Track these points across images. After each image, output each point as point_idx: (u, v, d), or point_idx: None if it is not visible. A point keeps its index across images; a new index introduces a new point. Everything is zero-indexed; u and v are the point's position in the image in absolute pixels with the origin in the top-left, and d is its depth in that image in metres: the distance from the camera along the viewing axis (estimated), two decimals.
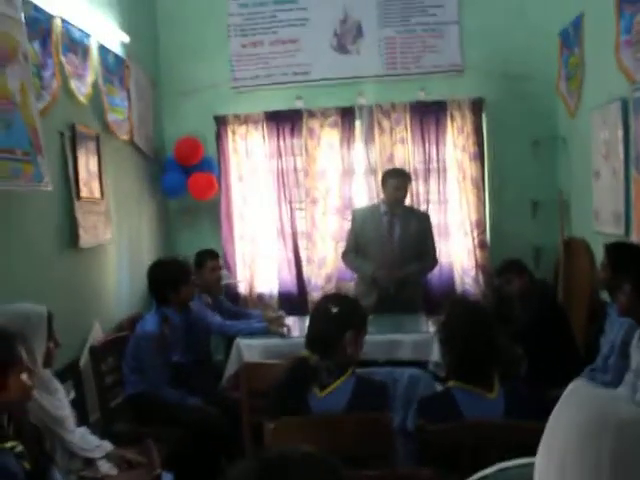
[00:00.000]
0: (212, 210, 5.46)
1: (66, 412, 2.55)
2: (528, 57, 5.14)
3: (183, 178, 5.23)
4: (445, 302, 2.69)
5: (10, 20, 2.98)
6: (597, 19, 4.17)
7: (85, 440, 2.63)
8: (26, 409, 2.11)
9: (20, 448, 1.96)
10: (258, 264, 5.44)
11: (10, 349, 1.94)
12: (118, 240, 4.46)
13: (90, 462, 2.60)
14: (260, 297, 5.38)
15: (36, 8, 3.36)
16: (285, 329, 3.94)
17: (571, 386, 1.12)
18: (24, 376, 1.97)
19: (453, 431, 1.93)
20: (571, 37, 4.65)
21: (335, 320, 2.30)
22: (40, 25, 3.41)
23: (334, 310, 2.31)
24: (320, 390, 2.21)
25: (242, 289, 5.39)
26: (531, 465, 1.41)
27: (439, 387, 2.65)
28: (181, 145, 5.24)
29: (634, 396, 2.67)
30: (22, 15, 3.10)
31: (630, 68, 3.60)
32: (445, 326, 2.33)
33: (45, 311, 2.50)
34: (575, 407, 1.06)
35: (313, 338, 2.34)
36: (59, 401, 2.52)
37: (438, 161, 5.25)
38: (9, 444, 1.93)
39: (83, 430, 2.69)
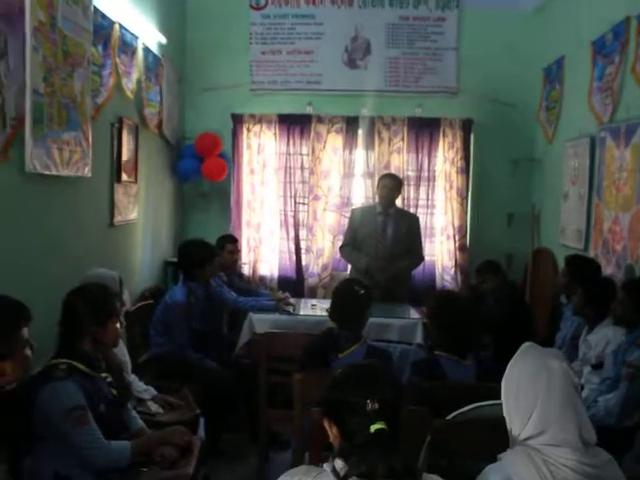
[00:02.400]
0: (224, 198, 6.04)
1: (127, 358, 3.14)
2: (515, 86, 5.83)
3: (197, 163, 5.78)
4: (431, 293, 3.37)
5: (84, 31, 3.53)
6: (576, 63, 4.83)
7: (137, 383, 3.23)
8: (112, 351, 2.70)
9: (110, 379, 2.56)
10: (262, 249, 6.04)
11: (112, 302, 2.53)
12: (143, 220, 5.01)
13: (141, 402, 3.19)
14: (262, 279, 5.99)
15: (103, 16, 3.90)
16: (291, 308, 4.55)
17: (524, 346, 1.78)
18: (118, 325, 2.56)
19: (440, 388, 2.57)
20: (553, 74, 5.32)
21: (362, 299, 2.94)
22: (103, 30, 3.94)
23: (361, 292, 2.95)
24: (340, 352, 2.84)
25: (246, 271, 5.98)
26: (498, 405, 2.08)
27: None
28: (202, 140, 5.77)
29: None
30: (92, 25, 3.65)
31: (599, 111, 4.27)
32: (434, 310, 2.97)
33: (117, 276, 3.08)
34: (526, 358, 1.72)
35: (341, 312, 2.97)
36: (121, 349, 3.11)
37: (429, 171, 5.93)
38: (103, 374, 2.53)
39: (134, 376, 3.28)
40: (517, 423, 1.67)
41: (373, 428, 1.49)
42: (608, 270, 3.99)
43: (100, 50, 3.89)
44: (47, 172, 3.08)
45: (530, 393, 1.65)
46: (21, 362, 2.08)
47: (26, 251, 3.03)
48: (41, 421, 2.29)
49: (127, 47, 4.35)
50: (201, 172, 5.77)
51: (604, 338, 3.36)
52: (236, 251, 4.99)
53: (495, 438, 1.86)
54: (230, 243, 4.93)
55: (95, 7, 3.71)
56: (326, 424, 1.62)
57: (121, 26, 4.20)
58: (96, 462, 2.31)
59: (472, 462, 1.99)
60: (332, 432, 1.60)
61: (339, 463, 1.55)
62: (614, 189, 4.02)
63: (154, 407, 3.20)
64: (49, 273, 3.21)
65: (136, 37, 4.53)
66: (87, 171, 3.62)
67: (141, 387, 3.27)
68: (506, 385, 1.72)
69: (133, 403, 3.08)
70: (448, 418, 2.19)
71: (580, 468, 1.60)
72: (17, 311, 2.11)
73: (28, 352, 2.11)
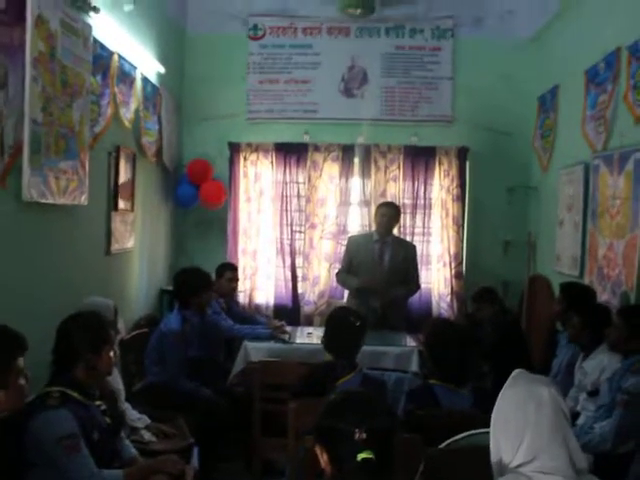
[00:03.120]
0: (220, 226, 6.08)
1: (121, 386, 3.15)
2: (510, 115, 5.93)
3: (194, 190, 5.82)
4: (427, 321, 3.42)
5: (83, 62, 3.61)
6: (570, 92, 4.93)
7: (131, 412, 3.24)
8: (106, 379, 2.71)
9: (104, 407, 2.57)
10: (258, 277, 6.07)
11: (107, 330, 2.56)
12: (140, 248, 5.03)
13: (134, 430, 3.20)
14: (257, 307, 6.00)
15: (102, 46, 3.97)
16: (287, 336, 4.56)
17: (514, 373, 1.81)
18: (111, 354, 2.58)
19: (435, 416, 2.58)
20: (548, 102, 5.41)
21: (359, 330, 2.98)
22: (102, 60, 4.01)
23: (357, 323, 2.98)
24: (336, 381, 2.86)
25: (241, 299, 5.99)
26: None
27: None
28: (194, 166, 5.82)
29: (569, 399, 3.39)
30: (91, 56, 3.72)
31: (592, 139, 4.34)
32: (429, 340, 3.00)
33: (112, 304, 3.11)
34: (515, 386, 1.75)
35: (336, 342, 3.01)
36: (115, 377, 3.12)
37: (425, 199, 5.99)
38: (97, 402, 2.54)
39: (127, 404, 3.29)
40: (508, 451, 1.69)
41: (360, 457, 1.51)
42: (603, 297, 4.02)
43: (99, 80, 3.96)
44: (44, 200, 3.12)
45: (519, 421, 1.67)
46: (15, 392, 2.10)
47: (22, 279, 3.05)
48: (33, 448, 2.29)
49: (126, 77, 4.43)
50: (198, 198, 5.81)
51: (599, 365, 3.38)
52: (235, 279, 5.03)
53: (488, 466, 1.87)
54: (229, 271, 4.98)
55: (94, 38, 3.79)
56: (318, 450, 1.64)
57: (120, 56, 4.27)
58: None
59: None
60: (323, 458, 1.62)
61: None
62: (608, 216, 4.06)
63: (147, 436, 3.20)
64: (45, 302, 3.23)
65: (135, 67, 4.60)
66: (84, 199, 3.67)
67: (135, 416, 3.28)
68: (496, 413, 1.75)
69: (126, 432, 3.08)
70: (441, 446, 2.20)
71: None
72: (13, 341, 2.13)
73: (22, 382, 2.13)
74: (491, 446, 1.74)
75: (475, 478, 1.97)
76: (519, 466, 1.66)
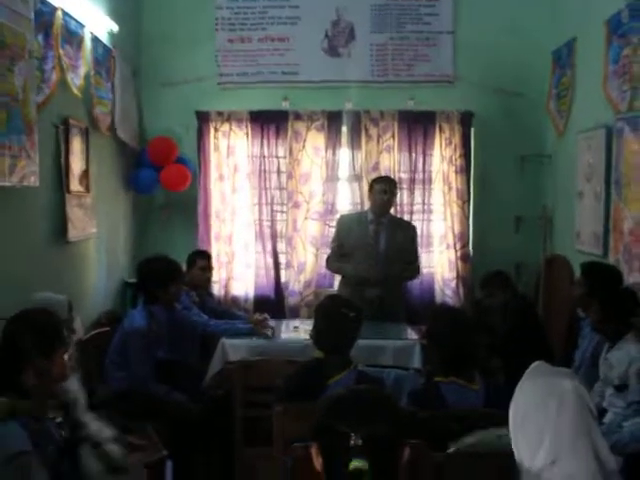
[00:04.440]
0: (189, 208, 6.04)
1: (79, 394, 3.12)
2: (520, 73, 5.93)
3: (155, 173, 5.77)
4: (430, 309, 3.41)
5: (23, 19, 3.53)
6: (588, 45, 4.92)
7: (92, 423, 3.20)
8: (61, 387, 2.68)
9: (59, 419, 2.55)
10: (235, 265, 6.05)
11: (59, 332, 2.52)
12: (97, 235, 4.99)
13: (97, 444, 3.16)
14: (235, 299, 5.99)
15: (42, 1, 3.89)
16: (270, 331, 4.56)
17: (533, 365, 1.81)
18: (66, 357, 2.55)
19: (441, 417, 2.58)
20: (564, 58, 5.41)
21: (354, 323, 2.98)
22: (44, 17, 3.93)
23: (351, 314, 2.97)
24: (327, 380, 2.86)
25: (216, 290, 5.97)
26: (507, 435, 2.09)
27: None
28: (155, 146, 5.78)
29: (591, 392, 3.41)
30: (32, 12, 3.65)
31: (615, 98, 4.33)
32: (433, 328, 2.99)
33: (66, 301, 3.07)
34: (534, 379, 1.75)
35: (327, 337, 3.00)
36: (72, 384, 3.08)
37: (424, 172, 5.98)
38: (51, 415, 2.51)
39: (89, 414, 3.26)
40: (527, 453, 1.69)
41: (352, 465, 1.51)
42: (631, 278, 4.03)
43: (40, 40, 3.88)
44: None
45: (539, 418, 1.67)
46: None
47: None
48: None
49: (72, 37, 4.35)
50: (159, 183, 5.77)
51: (627, 356, 3.38)
52: (208, 268, 5.03)
53: (503, 471, 1.87)
54: (202, 259, 4.98)
55: None
56: (313, 452, 1.63)
57: (64, 12, 4.18)
58: None
59: None
60: (317, 461, 1.62)
61: None
62: (634, 186, 4.06)
63: (113, 449, 3.17)
64: None
65: (82, 25, 4.53)
66: (34, 180, 3.62)
67: (97, 427, 3.24)
68: (513, 411, 1.74)
69: (88, 445, 3.06)
70: (450, 451, 2.20)
71: None
72: None
73: None
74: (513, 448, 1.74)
75: None
76: (540, 470, 1.66)
